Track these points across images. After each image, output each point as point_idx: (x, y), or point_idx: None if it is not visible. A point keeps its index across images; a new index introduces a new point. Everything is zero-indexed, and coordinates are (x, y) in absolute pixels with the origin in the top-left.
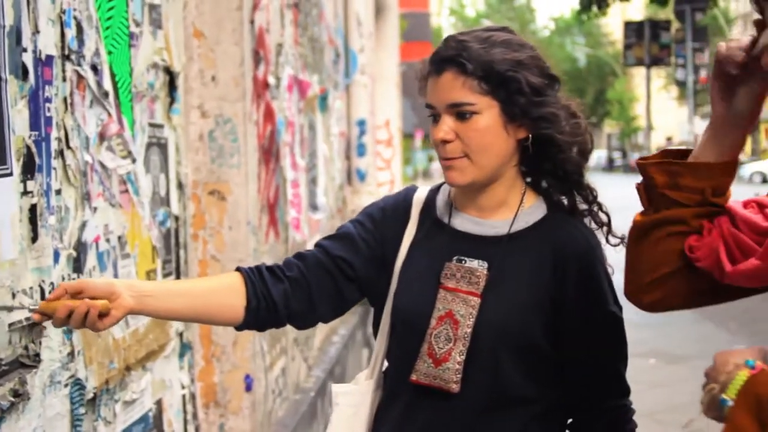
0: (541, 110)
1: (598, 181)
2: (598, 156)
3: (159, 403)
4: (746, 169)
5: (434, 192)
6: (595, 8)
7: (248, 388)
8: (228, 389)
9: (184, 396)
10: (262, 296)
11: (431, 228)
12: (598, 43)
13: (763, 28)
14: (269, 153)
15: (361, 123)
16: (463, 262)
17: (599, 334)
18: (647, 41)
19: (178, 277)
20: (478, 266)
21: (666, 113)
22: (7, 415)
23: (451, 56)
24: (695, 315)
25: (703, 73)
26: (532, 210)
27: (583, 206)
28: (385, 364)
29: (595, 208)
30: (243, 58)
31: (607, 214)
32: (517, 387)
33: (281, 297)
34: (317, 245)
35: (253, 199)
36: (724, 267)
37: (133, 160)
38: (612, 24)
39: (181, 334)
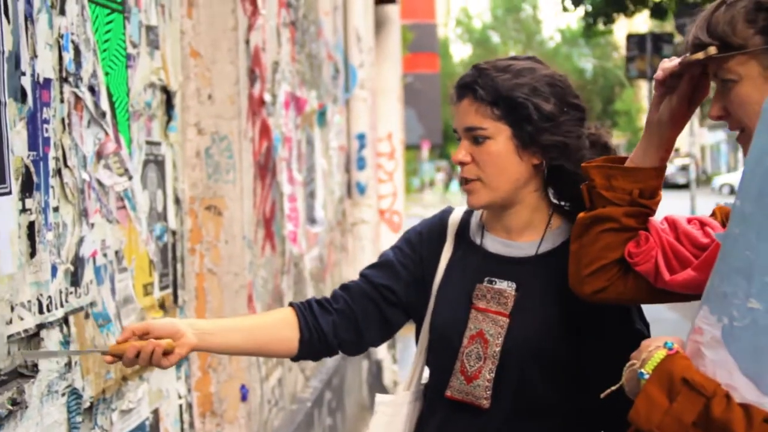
0: (551, 138)
1: None
2: None
3: (156, 412)
4: (716, 181)
5: (468, 214)
6: (601, 25)
7: (244, 398)
8: (224, 399)
9: (180, 405)
10: (313, 328)
11: (466, 249)
12: (605, 54)
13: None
14: (265, 168)
15: (361, 137)
16: (494, 283)
17: (626, 352)
18: (649, 54)
19: (175, 289)
20: (507, 287)
21: None
22: (5, 422)
23: (467, 83)
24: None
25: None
26: (559, 232)
27: None
28: (426, 377)
29: None
30: (238, 77)
31: None
32: (545, 399)
33: (330, 328)
34: (361, 275)
35: (248, 214)
36: (662, 275)
37: (130, 177)
38: (619, 35)
39: None
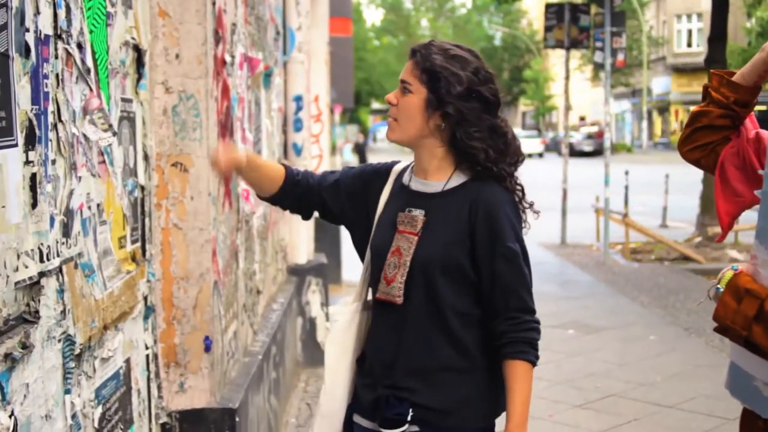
0: (452, 110)
1: None
2: None
3: (128, 361)
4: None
5: (409, 164)
6: None
7: (207, 349)
8: (188, 350)
9: (147, 356)
10: (283, 192)
11: (399, 190)
12: (515, 21)
13: None
14: (225, 127)
15: (298, 99)
16: (411, 211)
17: (499, 262)
18: (567, 24)
19: (143, 243)
20: (418, 213)
21: (580, 93)
22: (17, 365)
23: (416, 50)
24: (611, 290)
25: (620, 56)
26: (461, 174)
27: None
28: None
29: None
30: (206, 37)
31: (521, 186)
32: (447, 299)
33: (288, 201)
34: (323, 177)
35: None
36: (754, 165)
37: (114, 133)
38: (528, 3)
39: (146, 298)
